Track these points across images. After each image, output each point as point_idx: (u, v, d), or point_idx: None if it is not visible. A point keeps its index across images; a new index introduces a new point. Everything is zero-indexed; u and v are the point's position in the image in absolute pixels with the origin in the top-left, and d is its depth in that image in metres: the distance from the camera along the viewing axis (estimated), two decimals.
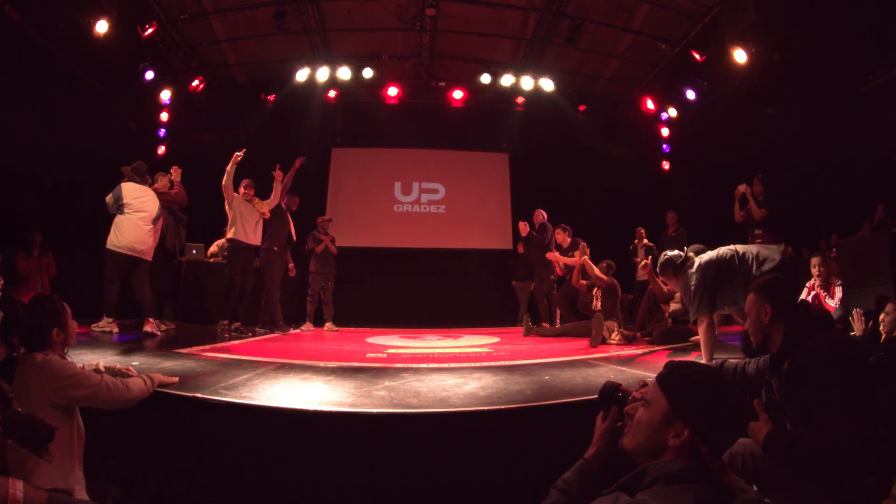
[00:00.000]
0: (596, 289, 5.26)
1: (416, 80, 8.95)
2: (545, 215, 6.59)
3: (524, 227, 6.37)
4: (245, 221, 5.29)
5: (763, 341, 1.84)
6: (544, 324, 6.23)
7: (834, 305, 4.22)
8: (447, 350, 4.55)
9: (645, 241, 7.77)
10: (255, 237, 5.38)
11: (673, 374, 1.20)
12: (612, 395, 1.39)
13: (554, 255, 6.13)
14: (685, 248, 4.68)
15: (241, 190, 5.40)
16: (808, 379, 1.62)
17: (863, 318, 2.94)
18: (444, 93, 9.04)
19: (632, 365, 3.29)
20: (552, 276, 6.34)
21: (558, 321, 6.31)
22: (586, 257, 5.33)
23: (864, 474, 1.52)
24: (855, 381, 1.59)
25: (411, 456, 2.10)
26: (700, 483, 1.05)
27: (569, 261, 5.97)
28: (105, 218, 5.80)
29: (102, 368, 2.43)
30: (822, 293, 4.31)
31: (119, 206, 4.66)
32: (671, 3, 6.74)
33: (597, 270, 5.19)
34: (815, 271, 4.33)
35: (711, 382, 1.16)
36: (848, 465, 1.50)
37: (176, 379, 2.44)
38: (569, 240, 6.27)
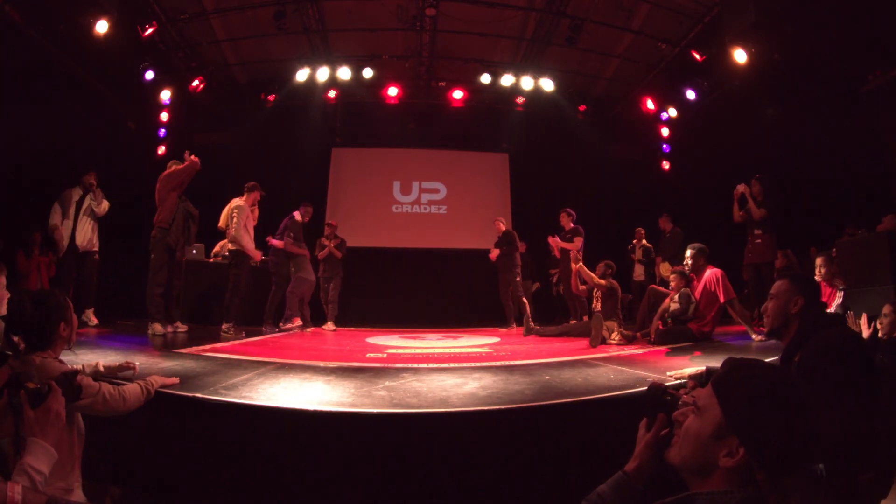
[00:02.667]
0: (596, 290, 5.27)
1: (416, 80, 8.95)
2: (503, 224, 7.05)
3: (494, 255, 6.85)
4: (248, 232, 5.45)
5: (780, 327, 1.87)
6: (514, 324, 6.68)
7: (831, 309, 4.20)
8: (447, 350, 4.55)
9: (644, 241, 7.78)
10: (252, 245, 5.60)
11: (730, 376, 0.99)
12: (660, 398, 1.19)
13: (555, 240, 6.49)
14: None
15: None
16: (811, 374, 1.64)
17: (866, 322, 2.93)
18: (444, 93, 9.04)
19: (632, 365, 3.28)
20: (517, 278, 6.78)
21: (513, 321, 6.76)
22: (581, 264, 5.35)
23: (862, 471, 1.52)
24: (857, 379, 1.60)
25: (411, 456, 2.10)
26: None
27: (567, 245, 6.30)
28: (107, 217, 5.81)
29: (102, 368, 2.43)
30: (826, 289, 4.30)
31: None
32: (671, 3, 6.73)
33: (594, 277, 5.18)
34: (818, 271, 4.32)
35: (777, 390, 0.94)
36: (845, 462, 1.50)
37: (176, 380, 2.43)
38: (571, 224, 6.59)
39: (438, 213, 9.68)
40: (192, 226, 5.25)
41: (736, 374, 0.99)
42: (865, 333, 2.93)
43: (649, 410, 1.19)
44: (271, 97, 8.61)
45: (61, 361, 1.94)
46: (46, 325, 1.89)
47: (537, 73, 8.36)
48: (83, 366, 2.37)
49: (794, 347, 1.79)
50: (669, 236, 7.30)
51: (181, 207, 5.06)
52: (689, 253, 4.58)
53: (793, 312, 1.83)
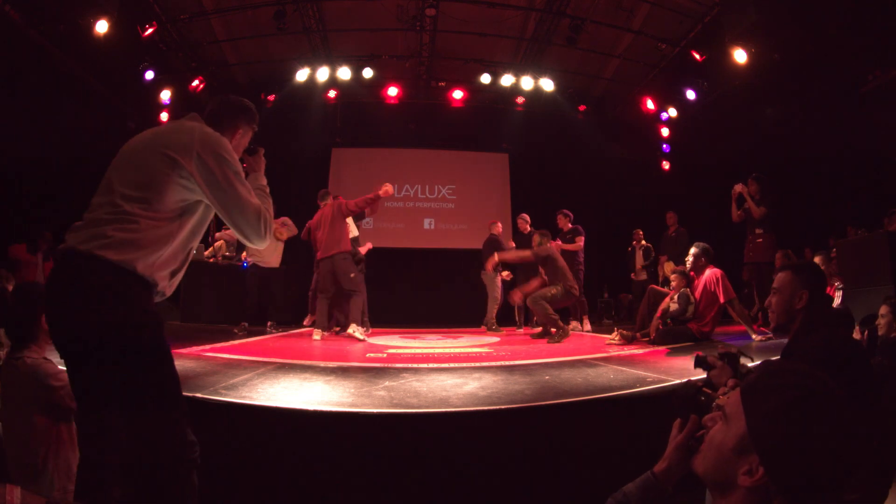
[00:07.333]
0: (539, 267, 5.33)
1: (416, 80, 8.95)
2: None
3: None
4: None
5: (786, 323, 1.79)
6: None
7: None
8: (447, 350, 4.55)
9: (643, 242, 7.78)
10: None
11: (760, 384, 0.85)
12: (693, 398, 1.10)
13: (556, 244, 6.47)
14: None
15: None
16: None
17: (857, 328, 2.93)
18: (444, 93, 9.03)
19: (632, 365, 3.29)
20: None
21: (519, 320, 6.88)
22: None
23: (851, 485, 1.48)
24: (842, 386, 1.55)
25: (411, 456, 2.10)
26: None
27: (569, 247, 6.38)
28: None
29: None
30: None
31: None
32: (671, 3, 6.73)
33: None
34: None
35: (809, 406, 0.79)
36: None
37: None
38: (569, 226, 6.63)
39: (438, 213, 9.68)
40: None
41: (766, 383, 0.85)
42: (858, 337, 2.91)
43: (682, 410, 1.10)
44: (271, 97, 8.59)
45: (49, 360, 1.92)
46: (28, 317, 1.88)
47: (537, 73, 8.35)
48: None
49: (793, 344, 1.74)
50: (674, 236, 7.30)
51: None
52: (693, 251, 4.58)
53: (798, 308, 1.74)
